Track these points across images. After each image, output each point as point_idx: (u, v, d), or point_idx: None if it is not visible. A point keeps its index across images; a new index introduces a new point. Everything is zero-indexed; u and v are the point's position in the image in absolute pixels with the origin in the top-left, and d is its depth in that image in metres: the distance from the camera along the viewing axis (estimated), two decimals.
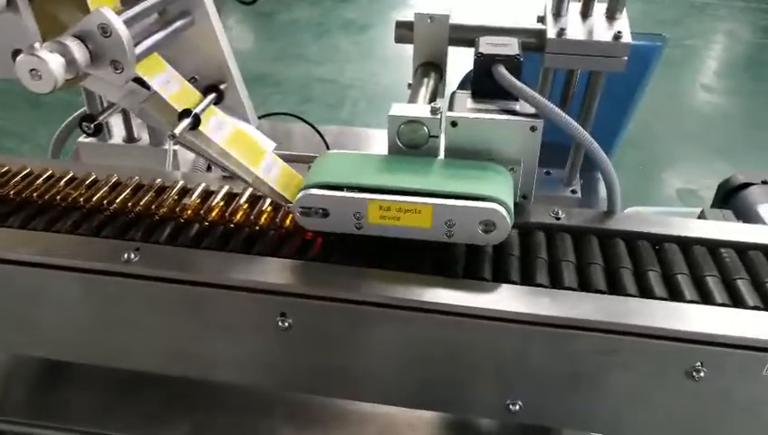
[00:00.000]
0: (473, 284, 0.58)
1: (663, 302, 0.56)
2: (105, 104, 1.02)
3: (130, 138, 1.18)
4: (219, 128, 0.62)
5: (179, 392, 0.80)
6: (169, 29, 0.61)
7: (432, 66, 0.78)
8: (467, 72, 0.73)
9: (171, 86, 0.59)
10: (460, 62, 0.83)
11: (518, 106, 0.64)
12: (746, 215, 0.81)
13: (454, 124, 0.62)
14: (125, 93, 0.60)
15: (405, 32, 0.78)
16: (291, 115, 0.99)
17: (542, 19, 0.79)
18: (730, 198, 0.86)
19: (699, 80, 3.09)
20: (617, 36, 0.73)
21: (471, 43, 0.76)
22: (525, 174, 0.64)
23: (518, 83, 0.63)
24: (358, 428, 0.75)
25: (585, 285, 0.58)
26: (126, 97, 0.60)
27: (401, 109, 0.63)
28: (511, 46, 0.66)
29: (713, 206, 0.89)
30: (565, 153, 1.00)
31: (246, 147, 0.63)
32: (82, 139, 1.18)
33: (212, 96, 0.63)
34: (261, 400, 0.78)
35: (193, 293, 0.60)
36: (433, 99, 0.72)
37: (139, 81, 0.58)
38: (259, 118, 0.72)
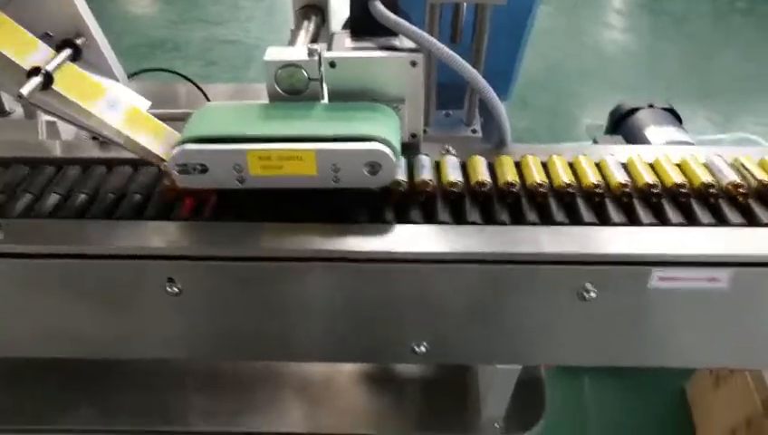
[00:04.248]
0: (364, 227, 0.57)
1: (545, 227, 0.57)
2: None
3: (1, 111, 1.08)
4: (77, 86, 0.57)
5: (80, 375, 0.76)
6: None
7: (313, 9, 0.74)
8: None
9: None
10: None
11: (398, 42, 0.62)
12: (635, 138, 0.83)
13: (332, 65, 0.59)
14: None
15: None
16: (165, 70, 0.93)
17: None
18: (620, 124, 0.88)
19: (601, 18, 3.17)
20: None
21: None
22: (412, 112, 0.63)
23: (395, 18, 0.60)
24: (274, 389, 0.73)
25: (486, 218, 0.58)
26: None
27: (277, 53, 0.59)
28: None
29: (606, 132, 0.92)
30: (464, 93, 0.99)
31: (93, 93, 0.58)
32: None
33: (66, 52, 0.58)
34: (168, 372, 0.75)
35: (70, 267, 0.55)
36: (314, 41, 0.68)
37: None
38: (131, 76, 0.67)
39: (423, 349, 0.60)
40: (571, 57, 2.75)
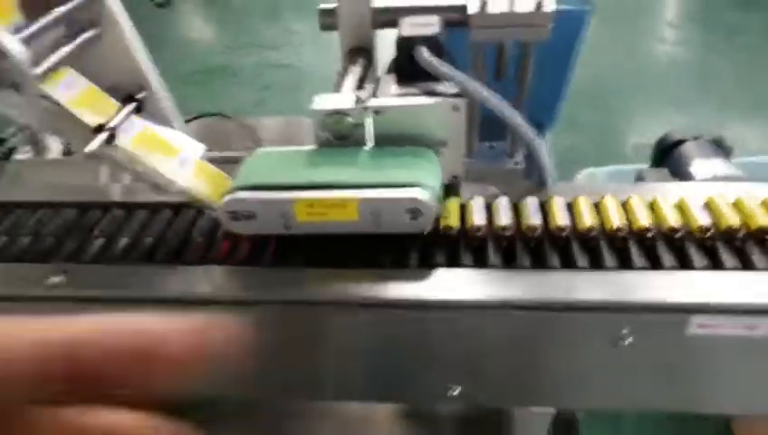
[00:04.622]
0: (399, 273, 0.58)
1: (586, 271, 0.57)
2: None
3: (68, 150, 1.15)
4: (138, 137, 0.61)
5: None
6: (77, 41, 0.59)
7: (360, 51, 0.77)
8: None
9: (73, 91, 0.57)
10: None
11: (442, 86, 0.64)
12: (680, 171, 0.82)
13: (377, 112, 0.62)
14: (36, 112, 0.59)
15: (329, 19, 0.77)
16: (219, 115, 0.98)
17: None
18: (666, 156, 0.88)
19: (654, 31, 3.11)
20: (538, 5, 0.72)
21: (395, 23, 0.76)
22: (453, 154, 0.65)
23: (438, 64, 0.62)
24: (311, 422, 0.75)
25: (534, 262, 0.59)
26: (35, 116, 0.59)
27: (323, 101, 0.62)
28: (432, 26, 0.66)
29: (652, 164, 0.91)
30: (507, 126, 1.00)
31: (164, 151, 0.62)
32: (19, 156, 1.15)
33: (131, 106, 0.62)
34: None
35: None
36: (360, 85, 0.71)
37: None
38: (187, 121, 0.71)
39: (456, 393, 0.61)
40: (618, 70, 2.70)
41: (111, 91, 0.63)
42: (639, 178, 0.83)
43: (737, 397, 0.60)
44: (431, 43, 0.64)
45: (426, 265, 0.59)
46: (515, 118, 0.64)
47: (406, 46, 0.64)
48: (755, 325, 0.54)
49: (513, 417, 0.76)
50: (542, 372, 0.59)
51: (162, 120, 0.67)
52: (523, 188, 0.67)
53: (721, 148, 0.86)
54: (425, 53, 0.63)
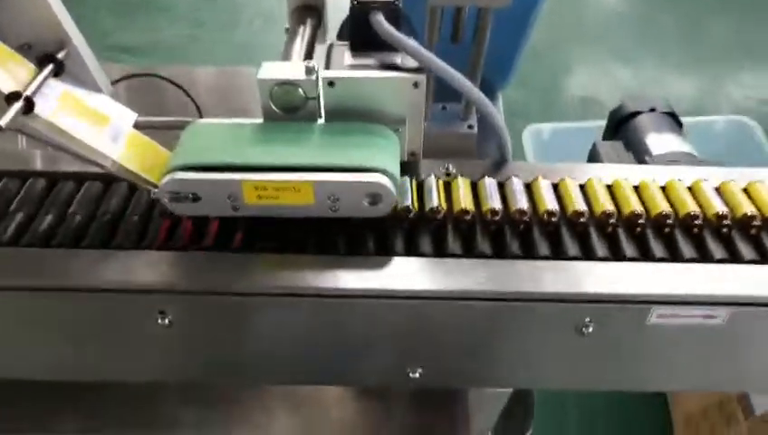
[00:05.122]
0: (365, 260, 0.55)
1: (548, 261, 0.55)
2: None
3: None
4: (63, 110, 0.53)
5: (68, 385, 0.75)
6: None
7: (308, 10, 0.70)
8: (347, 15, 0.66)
9: None
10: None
11: (400, 58, 0.59)
12: (635, 145, 0.81)
13: (331, 84, 0.57)
14: None
15: None
16: (153, 76, 0.88)
17: None
18: (620, 128, 0.86)
19: None
20: None
21: None
22: (412, 131, 0.61)
23: (397, 34, 0.57)
24: (265, 402, 0.73)
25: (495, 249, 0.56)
26: None
27: (272, 70, 0.56)
28: None
29: (605, 136, 0.90)
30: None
31: (92, 121, 0.55)
32: None
33: (49, 68, 0.54)
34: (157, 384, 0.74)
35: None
36: (310, 51, 0.65)
37: None
38: (114, 83, 0.64)
39: (417, 375, 0.60)
40: (562, 23, 2.68)
41: (25, 50, 0.55)
42: (594, 151, 0.81)
43: (685, 375, 0.62)
44: (389, 10, 0.59)
45: (383, 252, 0.56)
46: (477, 94, 0.60)
47: (361, 12, 0.59)
48: (713, 315, 0.54)
49: (469, 392, 0.76)
50: (502, 356, 0.58)
51: (87, 83, 0.59)
52: (481, 166, 0.65)
53: (675, 121, 0.86)
54: (383, 23, 0.58)
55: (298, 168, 0.53)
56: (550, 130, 1.59)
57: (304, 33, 0.66)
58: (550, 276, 0.54)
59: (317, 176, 0.53)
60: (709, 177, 0.63)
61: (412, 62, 0.58)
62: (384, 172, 0.53)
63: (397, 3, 0.59)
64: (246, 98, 1.06)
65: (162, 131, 0.62)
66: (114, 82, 0.65)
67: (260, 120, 0.58)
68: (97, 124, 0.56)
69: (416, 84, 0.57)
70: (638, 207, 0.58)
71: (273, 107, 0.57)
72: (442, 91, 0.97)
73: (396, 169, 0.55)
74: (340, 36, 0.64)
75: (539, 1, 0.91)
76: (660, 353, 0.58)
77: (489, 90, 1.17)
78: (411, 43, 0.57)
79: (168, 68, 0.99)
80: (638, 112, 0.85)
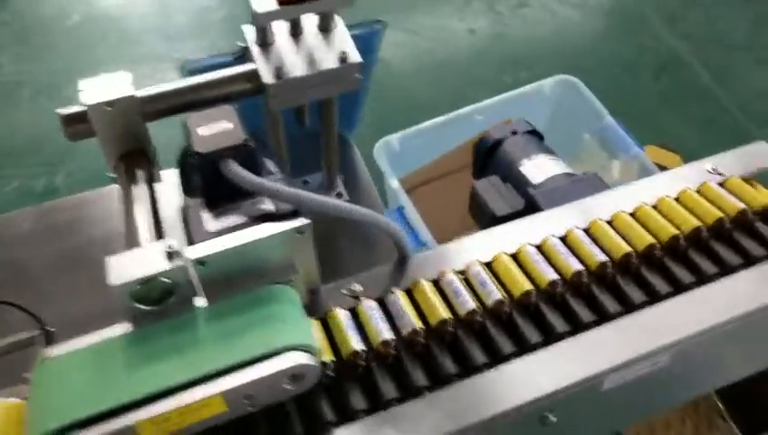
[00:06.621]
0: None
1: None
2: None
3: None
4: None
5: None
6: None
7: (134, 157, 0.60)
8: (183, 146, 0.57)
9: None
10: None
11: (268, 203, 0.52)
12: (512, 177, 0.80)
13: (202, 263, 0.48)
14: None
15: (80, 126, 0.58)
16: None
17: (245, 51, 0.64)
18: (488, 161, 0.85)
19: None
20: (343, 59, 0.62)
21: (175, 110, 0.61)
22: (306, 274, 0.54)
23: (259, 182, 0.50)
24: None
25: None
26: None
27: (125, 268, 0.46)
28: (233, 129, 0.52)
29: (475, 172, 0.88)
30: (315, 148, 0.87)
31: None
32: None
33: None
34: None
35: None
36: (157, 217, 0.54)
37: None
38: None
39: None
40: None
41: None
42: (474, 193, 0.79)
43: (635, 408, 0.62)
44: (240, 152, 0.51)
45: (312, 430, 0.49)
46: (361, 213, 0.54)
47: (209, 166, 0.50)
48: (657, 361, 0.54)
49: None
50: None
51: None
52: (384, 274, 0.59)
53: (538, 136, 0.86)
54: (240, 172, 0.50)
55: (198, 380, 0.45)
56: (398, 139, 1.57)
57: (142, 193, 0.56)
58: (506, 387, 0.50)
59: (224, 383, 0.44)
60: (597, 207, 0.64)
61: (286, 205, 0.51)
62: (299, 347, 0.46)
63: (247, 141, 0.51)
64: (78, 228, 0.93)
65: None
66: None
67: (126, 329, 0.48)
68: None
69: (299, 231, 0.50)
70: (553, 276, 0.57)
71: (137, 308, 0.47)
72: (300, 166, 0.90)
73: (308, 333, 0.48)
74: (189, 194, 0.54)
75: (375, 52, 0.86)
76: (616, 401, 0.58)
77: (344, 141, 1.12)
78: (275, 185, 0.50)
79: None
80: (501, 140, 0.84)
